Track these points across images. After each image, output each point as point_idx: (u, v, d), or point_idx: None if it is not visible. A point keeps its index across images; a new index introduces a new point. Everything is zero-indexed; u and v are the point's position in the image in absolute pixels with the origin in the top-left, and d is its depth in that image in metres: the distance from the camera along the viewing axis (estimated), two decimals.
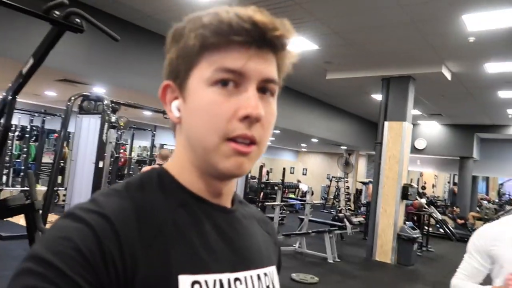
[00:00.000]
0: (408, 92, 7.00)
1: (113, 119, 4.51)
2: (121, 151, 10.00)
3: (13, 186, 8.63)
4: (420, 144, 12.46)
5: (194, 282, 0.50)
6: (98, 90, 6.21)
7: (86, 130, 4.62)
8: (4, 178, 8.35)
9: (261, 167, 10.18)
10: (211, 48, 0.52)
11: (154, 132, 9.35)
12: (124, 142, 9.89)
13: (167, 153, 5.07)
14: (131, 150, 9.79)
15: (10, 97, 2.26)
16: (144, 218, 0.50)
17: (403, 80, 7.04)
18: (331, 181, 14.93)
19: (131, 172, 9.64)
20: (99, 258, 0.44)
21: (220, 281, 0.52)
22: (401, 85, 7.05)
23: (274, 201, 9.31)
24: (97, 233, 0.45)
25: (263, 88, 0.54)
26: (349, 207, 11.54)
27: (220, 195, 0.59)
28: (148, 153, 12.53)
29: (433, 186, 16.28)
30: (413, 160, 13.43)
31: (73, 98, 4.50)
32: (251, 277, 0.58)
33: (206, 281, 0.51)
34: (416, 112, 10.19)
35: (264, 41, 0.52)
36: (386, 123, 7.07)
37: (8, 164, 8.39)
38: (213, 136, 0.51)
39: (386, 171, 6.90)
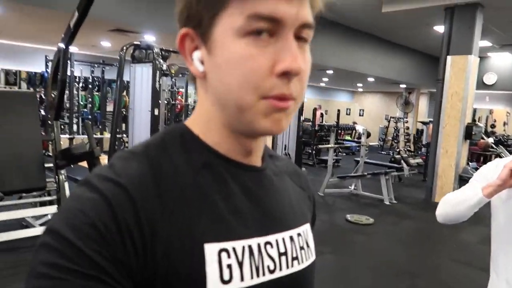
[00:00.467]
0: (475, 22, 6.32)
1: (164, 67, 4.60)
2: (178, 97, 10.30)
3: (83, 134, 9.33)
4: (490, 79, 11.45)
5: (221, 250, 0.47)
6: (149, 38, 6.31)
7: (140, 79, 4.77)
8: (75, 127, 9.02)
9: (314, 109, 10.03)
10: None
11: None
12: (179, 89, 10.13)
13: None
14: (186, 96, 10.02)
15: (64, 47, 2.38)
16: (164, 182, 0.47)
17: (470, 8, 6.34)
18: (389, 121, 14.41)
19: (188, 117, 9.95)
20: (115, 231, 0.42)
21: (250, 247, 0.50)
22: (467, 14, 6.38)
23: (328, 144, 9.25)
24: (112, 204, 0.43)
25: (300, 35, 0.48)
26: (409, 148, 11.16)
27: (250, 153, 0.55)
28: None
29: (505, 124, 15.12)
30: (481, 97, 12.46)
31: (125, 47, 4.62)
32: (283, 239, 0.55)
33: (234, 248, 0.48)
34: (486, 43, 9.26)
35: None
36: (448, 57, 6.52)
37: (76, 114, 9.01)
38: (248, 94, 0.46)
39: (448, 110, 6.49)
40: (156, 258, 0.43)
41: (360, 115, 17.76)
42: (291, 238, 0.56)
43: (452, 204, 1.31)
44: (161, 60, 4.56)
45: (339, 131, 12.33)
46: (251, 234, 0.51)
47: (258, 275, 0.50)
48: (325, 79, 13.08)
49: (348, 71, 9.66)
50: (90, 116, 9.37)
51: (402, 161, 7.43)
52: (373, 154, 11.57)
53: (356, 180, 6.90)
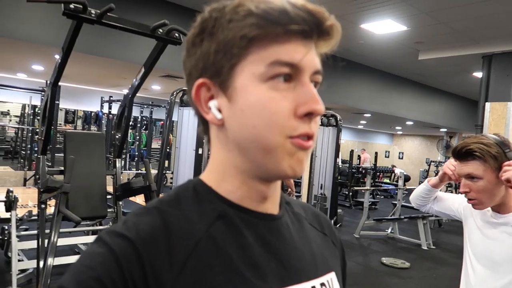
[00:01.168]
0: None
1: None
2: None
3: (129, 169, 9.93)
4: None
5: None
6: None
7: (187, 121, 5.22)
8: (122, 162, 9.65)
9: (351, 152, 10.13)
10: (263, 40, 0.46)
11: None
12: None
13: None
14: None
15: (130, 95, 2.78)
16: (176, 236, 0.46)
17: (508, 56, 6.42)
18: (429, 165, 14.14)
19: None
20: (121, 285, 0.42)
21: None
22: (504, 62, 6.45)
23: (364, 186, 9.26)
24: (119, 259, 0.43)
25: (313, 80, 0.50)
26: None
27: (265, 199, 0.53)
28: None
29: None
30: None
31: (175, 93, 5.11)
32: None
33: None
34: None
35: (320, 31, 0.48)
36: (487, 104, 6.56)
37: (124, 150, 9.68)
38: (274, 135, 0.47)
39: None
40: None
41: (399, 158, 17.54)
42: None
43: (414, 192, 1.61)
44: None
45: (377, 173, 12.26)
46: (269, 286, 0.49)
47: None
48: (363, 122, 13.20)
49: (386, 115, 9.78)
50: (137, 153, 9.99)
51: None
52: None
53: (393, 223, 6.87)
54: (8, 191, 3.51)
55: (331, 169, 7.07)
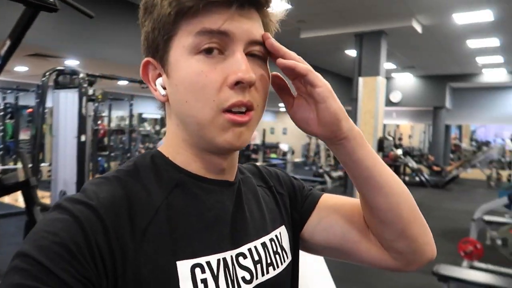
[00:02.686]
0: (381, 47, 7.12)
1: (91, 92, 4.52)
2: (99, 122, 9.93)
3: None
4: (395, 97, 12.76)
5: (194, 266, 0.48)
6: (71, 63, 6.11)
7: (64, 105, 4.62)
8: None
9: None
10: (188, 14, 0.47)
11: (131, 102, 9.28)
12: (102, 114, 9.80)
13: None
14: (109, 121, 9.72)
15: None
16: (137, 205, 0.48)
17: (375, 36, 7.14)
18: (310, 138, 15.24)
19: (111, 143, 9.65)
20: (85, 251, 0.42)
21: (224, 259, 0.51)
22: (374, 41, 7.17)
23: (256, 162, 9.55)
24: (83, 225, 0.43)
25: (251, 52, 0.51)
26: (330, 163, 11.91)
27: (223, 171, 0.55)
28: (126, 123, 12.40)
29: (410, 137, 16.82)
30: (389, 113, 13.78)
31: (47, 73, 4.46)
32: (255, 247, 0.56)
33: (208, 262, 0.49)
34: (391, 65, 10.38)
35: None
36: (360, 79, 7.23)
37: None
38: (205, 109, 0.48)
39: (362, 126, 7.15)
40: (126, 279, 0.44)
41: (283, 133, 18.50)
42: (264, 245, 0.57)
43: None
44: (87, 86, 4.47)
45: (265, 149, 12.76)
46: (225, 247, 0.52)
47: (234, 287, 0.51)
48: None
49: (271, 92, 10.12)
50: (2, 145, 8.65)
51: (325, 175, 7.94)
52: (297, 170, 12.13)
53: None
54: None
55: None
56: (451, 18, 6.49)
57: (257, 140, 14.43)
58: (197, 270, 0.48)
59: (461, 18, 6.45)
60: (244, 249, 0.54)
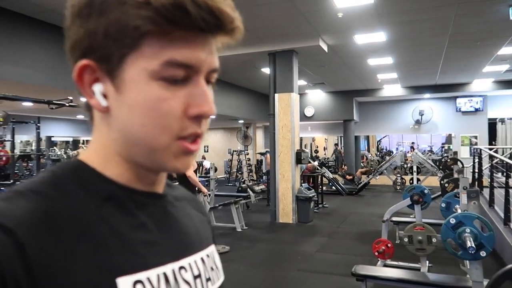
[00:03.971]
0: (293, 65, 7.54)
1: None
2: (0, 148, 9.03)
3: None
4: (309, 111, 13.52)
5: (135, 282, 0.44)
6: None
7: None
8: None
9: None
10: (158, 36, 0.44)
11: (38, 124, 8.60)
12: (3, 138, 8.92)
13: None
14: (13, 146, 8.87)
15: None
16: (63, 221, 0.42)
17: (287, 54, 7.55)
18: (232, 155, 15.40)
19: (16, 170, 8.80)
20: None
21: (164, 274, 0.48)
22: (286, 59, 7.57)
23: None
24: None
25: (208, 80, 0.49)
26: (252, 178, 12.12)
27: (154, 183, 0.53)
28: (33, 148, 11.38)
29: (325, 149, 17.87)
30: (305, 127, 14.52)
31: None
32: (195, 262, 0.55)
33: (148, 278, 0.46)
34: (302, 82, 11.01)
35: (221, 32, 0.46)
36: (276, 95, 7.56)
37: None
38: (162, 136, 0.46)
39: (281, 140, 7.45)
40: None
41: (205, 151, 18.45)
42: (202, 260, 0.56)
43: None
44: None
45: None
46: (165, 261, 0.49)
47: None
48: None
49: None
50: None
51: (248, 189, 8.07)
52: (221, 186, 12.15)
53: (209, 212, 7.19)
54: None
55: None
56: (353, 38, 7.13)
57: None
58: (138, 286, 0.45)
59: (360, 38, 7.12)
60: (184, 262, 0.52)
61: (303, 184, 7.82)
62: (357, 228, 6.92)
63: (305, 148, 12.76)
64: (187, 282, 0.51)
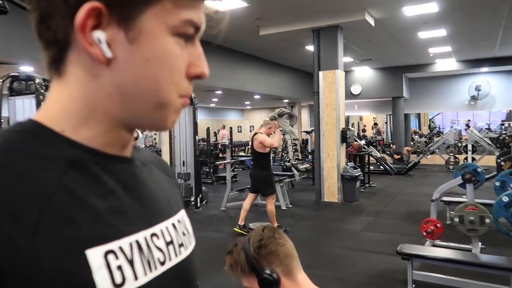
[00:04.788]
0: (337, 41, 7.33)
1: None
2: None
3: None
4: (356, 89, 13.14)
5: (107, 253, 0.42)
6: (26, 68, 5.92)
7: (21, 112, 4.48)
8: None
9: (208, 129, 10.31)
10: None
11: None
12: None
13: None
14: None
15: None
16: (20, 193, 0.38)
17: (332, 30, 7.34)
18: None
19: None
20: None
21: (137, 242, 0.46)
22: (330, 35, 7.37)
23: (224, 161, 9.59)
24: None
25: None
26: (297, 157, 12.11)
27: (125, 146, 0.51)
28: None
29: (373, 128, 17.37)
30: (351, 105, 14.16)
31: (0, 80, 4.32)
32: (166, 228, 0.53)
33: (120, 247, 0.44)
34: (348, 59, 10.69)
35: None
36: (320, 73, 7.42)
37: None
38: (172, 93, 0.47)
39: (325, 118, 7.34)
40: (20, 285, 0.36)
41: (250, 131, 18.62)
42: (174, 226, 0.55)
43: None
44: (44, 91, 4.36)
45: (233, 148, 12.80)
46: (137, 228, 0.47)
47: (151, 270, 0.47)
48: (215, 100, 13.50)
49: (236, 90, 10.20)
50: None
51: (292, 168, 8.08)
52: None
53: None
54: None
55: (191, 148, 7.08)
56: (401, 11, 6.78)
57: (226, 139, 14.44)
58: (111, 257, 0.42)
59: (410, 10, 6.76)
60: (155, 229, 0.50)
61: (348, 163, 7.70)
62: (404, 207, 6.74)
63: (351, 127, 12.48)
64: (159, 249, 0.50)
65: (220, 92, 10.68)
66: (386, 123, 17.18)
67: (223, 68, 9.31)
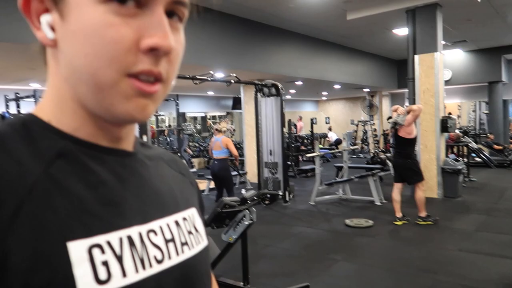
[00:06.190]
0: (436, 21, 6.66)
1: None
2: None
3: None
4: (446, 75, 12.06)
5: (92, 247, 0.39)
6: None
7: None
8: None
9: (289, 121, 10.11)
10: None
11: (177, 101, 9.28)
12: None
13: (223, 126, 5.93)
14: (157, 122, 9.81)
15: None
16: (2, 181, 0.38)
17: (430, 9, 6.68)
18: (357, 125, 14.78)
19: (160, 144, 9.74)
20: None
21: (129, 237, 0.43)
22: (428, 15, 6.71)
23: (307, 154, 9.33)
24: None
25: (171, 11, 0.43)
26: (382, 149, 11.47)
27: (119, 140, 0.48)
28: (167, 124, 12.39)
29: (458, 116, 15.94)
30: None
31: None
32: (167, 225, 0.49)
33: (108, 242, 0.41)
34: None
35: None
36: (416, 56, 6.80)
37: None
38: (108, 70, 0.40)
39: (422, 106, 6.73)
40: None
41: (326, 122, 18.11)
42: (177, 223, 0.51)
43: None
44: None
45: (314, 140, 12.48)
46: (130, 223, 0.44)
47: (144, 268, 0.43)
48: (292, 91, 13.25)
49: (316, 80, 9.85)
50: None
51: (386, 161, 7.58)
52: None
53: (343, 185, 6.95)
54: None
55: (278, 139, 6.91)
56: None
57: (303, 131, 14.18)
58: (96, 251, 0.40)
59: None
60: (154, 225, 0.47)
61: (449, 155, 7.01)
62: None
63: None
64: (156, 246, 0.46)
65: (300, 82, 10.37)
66: (473, 111, 15.65)
67: (304, 57, 9.00)
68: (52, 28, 0.42)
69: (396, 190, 5.31)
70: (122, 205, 0.45)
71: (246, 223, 3.09)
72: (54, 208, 0.39)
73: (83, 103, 0.44)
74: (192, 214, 0.56)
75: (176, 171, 0.60)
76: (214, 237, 3.19)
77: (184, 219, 0.53)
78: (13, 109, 7.86)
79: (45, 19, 0.42)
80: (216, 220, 3.14)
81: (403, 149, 5.10)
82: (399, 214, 5.26)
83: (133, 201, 0.46)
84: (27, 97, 7.31)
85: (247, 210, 3.13)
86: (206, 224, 3.22)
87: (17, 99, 7.53)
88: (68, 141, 0.44)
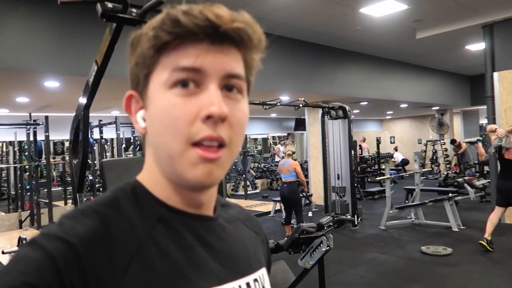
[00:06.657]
0: None
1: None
2: None
3: None
4: None
5: None
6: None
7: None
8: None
9: (354, 142, 9.92)
10: (166, 49, 0.48)
11: None
12: None
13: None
14: None
15: (84, 107, 2.21)
16: (118, 239, 0.46)
17: (509, 23, 6.32)
18: (426, 145, 14.12)
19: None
20: None
21: None
22: (508, 29, 6.34)
23: (375, 176, 9.05)
24: (57, 264, 0.41)
25: (228, 85, 0.49)
26: (455, 170, 10.81)
27: (201, 205, 0.54)
28: None
29: None
30: None
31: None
32: (239, 287, 0.54)
33: None
34: None
35: (219, 34, 0.47)
36: (495, 74, 6.42)
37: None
38: (176, 142, 0.47)
39: (504, 126, 6.28)
40: None
41: (391, 142, 17.51)
42: (248, 285, 0.55)
43: None
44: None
45: (380, 160, 12.12)
46: (209, 284, 0.49)
47: None
48: (356, 111, 13.04)
49: (382, 100, 9.62)
50: None
51: (465, 185, 7.14)
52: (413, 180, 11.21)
53: (415, 208, 6.64)
54: (21, 239, 3.23)
55: (346, 162, 6.81)
56: None
57: (366, 152, 13.81)
58: None
59: None
60: (228, 286, 0.52)
61: None
62: None
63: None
64: None
65: (365, 103, 10.20)
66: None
67: (371, 77, 8.87)
68: (144, 120, 0.52)
69: (498, 213, 4.99)
70: (205, 268, 0.51)
71: (323, 249, 3.07)
72: (155, 269, 0.46)
73: (166, 175, 0.51)
74: (262, 274, 0.60)
75: (251, 230, 0.66)
76: (288, 261, 3.21)
77: (255, 280, 0.57)
78: (96, 135, 8.56)
79: (140, 114, 0.52)
80: (293, 246, 3.16)
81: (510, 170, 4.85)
82: (489, 237, 4.94)
83: (213, 264, 0.52)
84: (110, 123, 7.93)
85: (324, 236, 3.11)
86: (283, 249, 3.26)
87: (100, 126, 8.20)
88: (165, 209, 0.51)
